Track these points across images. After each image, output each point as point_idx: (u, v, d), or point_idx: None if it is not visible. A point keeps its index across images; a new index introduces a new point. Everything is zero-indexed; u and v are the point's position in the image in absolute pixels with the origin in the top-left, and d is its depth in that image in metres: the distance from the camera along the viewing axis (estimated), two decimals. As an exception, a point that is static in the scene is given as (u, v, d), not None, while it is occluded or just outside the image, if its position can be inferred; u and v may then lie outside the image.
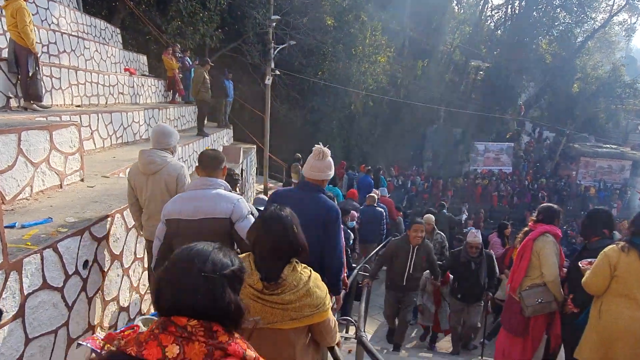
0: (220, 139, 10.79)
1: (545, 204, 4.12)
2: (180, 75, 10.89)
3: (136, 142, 7.30)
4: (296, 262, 1.91)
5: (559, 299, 3.79)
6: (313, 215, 2.96)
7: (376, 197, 8.23)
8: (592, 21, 29.24)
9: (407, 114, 26.41)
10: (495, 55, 30.99)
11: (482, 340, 5.90)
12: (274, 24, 13.36)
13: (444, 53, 29.89)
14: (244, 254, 1.96)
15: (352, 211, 7.02)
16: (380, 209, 8.15)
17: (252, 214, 3.01)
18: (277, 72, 14.00)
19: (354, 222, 7.06)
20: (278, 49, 13.68)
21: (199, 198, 2.79)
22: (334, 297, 3.33)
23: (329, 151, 3.21)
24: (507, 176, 26.44)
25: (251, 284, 1.82)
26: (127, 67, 10.02)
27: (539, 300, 3.77)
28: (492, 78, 28.79)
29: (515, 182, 25.94)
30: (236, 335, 1.10)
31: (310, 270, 1.94)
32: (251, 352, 1.08)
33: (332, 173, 3.21)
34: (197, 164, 3.08)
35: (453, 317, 5.82)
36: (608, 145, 27.62)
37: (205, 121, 9.61)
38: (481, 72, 31.18)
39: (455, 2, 31.95)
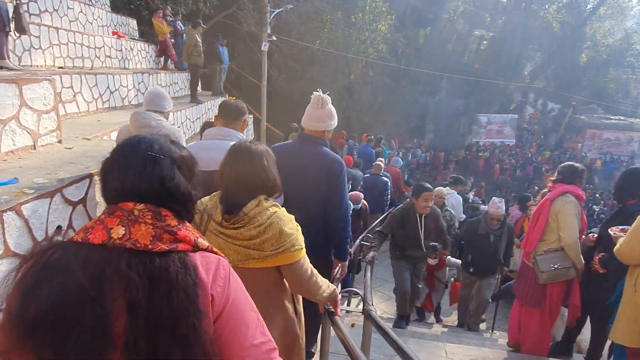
0: (215, 107, 10.34)
1: (566, 162, 3.74)
2: (172, 40, 10.34)
3: (124, 108, 6.89)
4: (265, 198, 1.76)
5: (578, 265, 3.46)
6: (314, 170, 2.68)
7: (382, 165, 7.87)
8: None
9: (408, 85, 25.78)
10: (500, 24, 30.08)
11: (494, 315, 5.62)
12: (271, -15, 12.68)
13: (447, 22, 28.95)
14: (215, 193, 1.86)
15: (357, 192, 6.51)
16: (385, 179, 7.80)
17: None
18: (274, 38, 13.39)
19: (360, 205, 6.30)
20: (274, 13, 13.06)
21: (215, 148, 2.53)
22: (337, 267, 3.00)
23: (329, 98, 2.91)
24: (510, 149, 26.02)
25: (213, 218, 1.73)
26: (115, 30, 9.47)
27: (555, 266, 3.44)
28: (496, 48, 27.97)
29: (518, 154, 25.54)
30: (187, 223, 1.05)
31: (280, 208, 1.78)
32: (203, 241, 1.03)
33: (334, 123, 2.93)
34: (215, 115, 2.89)
35: (462, 290, 5.53)
36: (616, 117, 26.98)
37: (200, 89, 9.17)
38: (485, 42, 30.32)
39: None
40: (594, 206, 19.94)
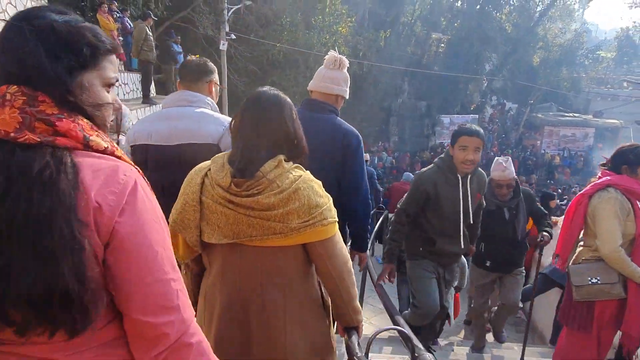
0: (172, 110, 9.50)
1: (621, 146, 2.78)
2: (121, 38, 9.42)
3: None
4: (284, 159, 1.40)
5: (635, 279, 2.52)
6: (328, 143, 2.23)
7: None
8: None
9: (370, 87, 25.61)
10: (455, 27, 30.55)
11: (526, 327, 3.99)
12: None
13: (406, 25, 29.14)
14: (219, 154, 1.49)
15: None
16: (371, 169, 7.34)
17: None
18: (233, 36, 12.67)
19: None
20: (232, 10, 12.34)
21: (177, 117, 2.06)
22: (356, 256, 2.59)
23: (347, 60, 2.52)
24: (473, 148, 26.25)
25: (218, 182, 1.36)
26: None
27: (594, 280, 2.60)
28: (454, 50, 28.34)
29: (481, 154, 25.79)
30: (84, 120, 0.83)
31: (305, 171, 1.44)
32: (102, 142, 0.83)
33: (347, 90, 2.51)
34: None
35: (477, 297, 4.00)
36: (571, 114, 27.90)
37: (154, 92, 8.33)
38: (442, 45, 30.71)
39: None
40: (558, 201, 20.23)
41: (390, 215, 7.07)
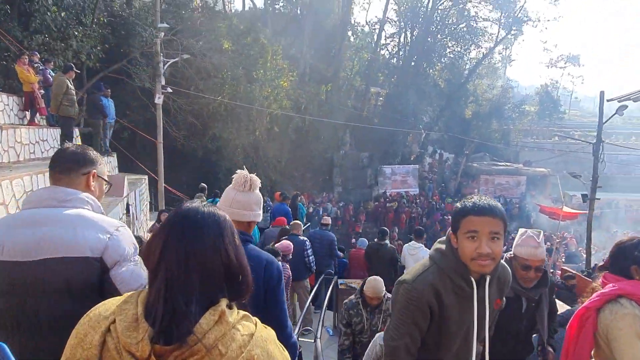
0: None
1: (619, 242, 2.28)
2: (42, 91, 8.67)
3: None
4: (227, 305, 0.99)
5: None
6: None
7: (301, 224, 6.92)
8: (478, 50, 31.67)
9: (313, 139, 25.81)
10: (392, 82, 32.03)
11: None
12: (162, 34, 11.62)
13: (345, 79, 30.14)
14: (128, 293, 1.03)
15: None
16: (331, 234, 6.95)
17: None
18: (169, 90, 12.21)
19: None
20: (169, 63, 11.96)
21: (42, 222, 1.54)
22: None
23: (258, 180, 2.27)
24: (415, 198, 26.80)
25: (130, 349, 0.89)
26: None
27: None
28: (392, 104, 29.51)
29: (423, 203, 26.38)
30: None
31: (257, 322, 1.03)
32: None
33: (261, 213, 2.23)
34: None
35: None
36: (503, 163, 29.52)
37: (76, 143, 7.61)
38: (381, 99, 31.96)
39: (350, 31, 32.78)
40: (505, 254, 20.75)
41: (340, 281, 6.69)
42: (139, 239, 2.92)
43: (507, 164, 29.44)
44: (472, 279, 1.84)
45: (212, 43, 18.50)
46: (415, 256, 6.02)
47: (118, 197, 6.84)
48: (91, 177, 1.75)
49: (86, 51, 13.34)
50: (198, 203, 1.12)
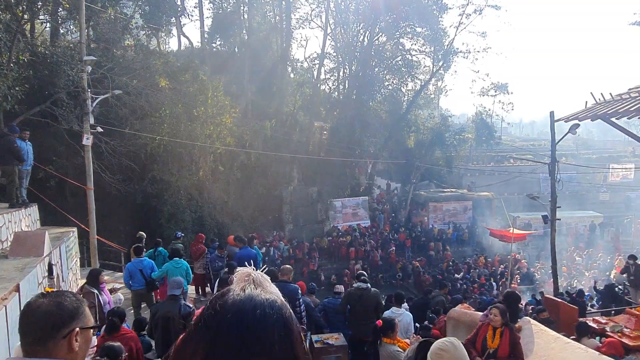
0: (15, 224, 7.39)
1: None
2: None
3: None
4: None
5: None
6: None
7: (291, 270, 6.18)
8: (415, 82, 32.66)
9: (260, 177, 24.96)
10: (335, 116, 32.13)
11: None
12: (89, 68, 10.50)
13: (289, 115, 29.82)
14: None
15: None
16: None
17: None
18: (99, 129, 11.01)
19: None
20: (97, 100, 10.82)
21: None
22: None
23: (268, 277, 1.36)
24: (367, 230, 26.40)
25: None
26: None
27: None
28: (337, 137, 29.44)
29: (376, 234, 26.03)
30: None
31: None
32: None
33: None
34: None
35: None
36: (449, 189, 30.03)
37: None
38: (325, 132, 31.88)
39: (290, 67, 32.87)
40: (455, 275, 20.61)
41: (315, 338, 5.78)
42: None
43: (452, 190, 29.99)
44: None
45: (148, 80, 17.45)
46: (400, 323, 5.35)
47: (36, 258, 5.63)
48: (74, 337, 1.51)
49: (2, 92, 11.89)
50: (251, 290, 0.84)
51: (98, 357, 3.71)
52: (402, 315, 6.06)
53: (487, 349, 4.30)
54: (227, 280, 6.05)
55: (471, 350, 4.45)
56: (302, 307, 5.78)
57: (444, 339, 1.83)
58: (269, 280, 1.40)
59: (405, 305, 7.47)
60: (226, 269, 8.58)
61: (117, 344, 3.98)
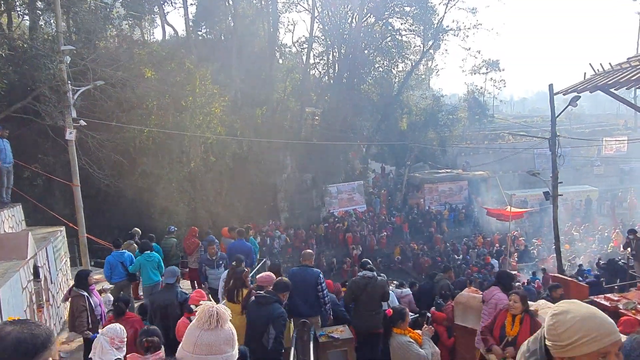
0: (-3, 225, 7.01)
1: None
2: None
3: None
4: None
5: None
6: None
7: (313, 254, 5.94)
8: (405, 63, 32.14)
9: (253, 165, 24.53)
10: (326, 101, 31.65)
11: None
12: (68, 58, 9.99)
13: (279, 101, 29.30)
14: None
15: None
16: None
17: None
18: (82, 122, 10.56)
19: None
20: (79, 92, 10.34)
21: None
22: None
23: (228, 311, 1.76)
24: (363, 214, 26.20)
25: None
26: None
27: None
28: (329, 122, 29.02)
29: (374, 218, 25.84)
30: None
31: None
32: None
33: (235, 353, 1.74)
34: None
35: None
36: (444, 170, 29.81)
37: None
38: (317, 118, 31.43)
39: (278, 53, 32.21)
40: (455, 256, 20.51)
41: (320, 332, 5.47)
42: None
43: (447, 170, 29.78)
44: None
45: (133, 71, 16.90)
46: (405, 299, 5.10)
47: (18, 261, 5.27)
48: None
49: (-22, 88, 11.40)
50: None
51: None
52: (407, 294, 5.80)
53: (506, 336, 4.06)
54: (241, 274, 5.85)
55: (488, 338, 4.21)
56: (324, 292, 5.59)
57: (556, 304, 1.59)
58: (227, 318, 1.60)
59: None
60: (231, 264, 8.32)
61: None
